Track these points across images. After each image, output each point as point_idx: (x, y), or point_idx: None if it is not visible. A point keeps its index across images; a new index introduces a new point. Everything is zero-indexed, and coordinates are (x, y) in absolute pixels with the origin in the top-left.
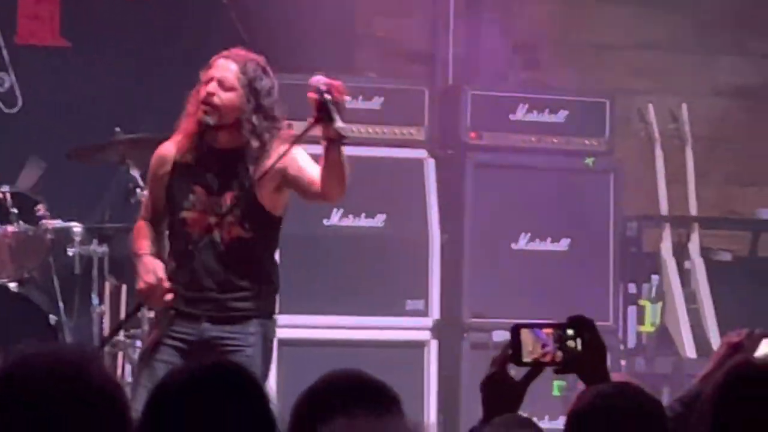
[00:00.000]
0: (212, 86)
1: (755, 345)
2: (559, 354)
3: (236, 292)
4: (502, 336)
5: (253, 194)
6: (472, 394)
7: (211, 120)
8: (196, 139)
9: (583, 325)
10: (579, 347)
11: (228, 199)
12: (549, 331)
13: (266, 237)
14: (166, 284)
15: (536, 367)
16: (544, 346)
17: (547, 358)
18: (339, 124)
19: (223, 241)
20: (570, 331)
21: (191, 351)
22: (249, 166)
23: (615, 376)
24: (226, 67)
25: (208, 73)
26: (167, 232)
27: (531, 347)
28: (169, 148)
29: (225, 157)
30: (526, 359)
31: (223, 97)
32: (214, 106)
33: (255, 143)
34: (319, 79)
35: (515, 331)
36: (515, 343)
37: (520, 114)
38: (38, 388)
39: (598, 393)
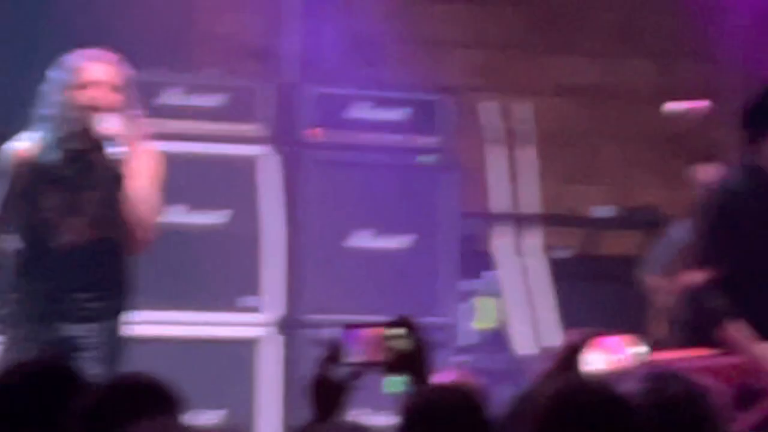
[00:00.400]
0: (99, 90)
1: (586, 344)
2: (387, 353)
3: (90, 293)
4: (335, 334)
5: (112, 195)
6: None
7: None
8: (56, 139)
9: (409, 324)
10: (406, 346)
11: (89, 199)
12: (377, 330)
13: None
14: None
15: (364, 366)
16: (371, 345)
17: (375, 358)
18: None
19: (81, 242)
20: (398, 330)
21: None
22: (109, 164)
23: (450, 374)
24: (105, 71)
25: (86, 76)
26: (20, 233)
27: (358, 347)
28: (27, 149)
29: (87, 157)
30: (353, 359)
31: (111, 100)
32: (102, 111)
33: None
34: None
35: (342, 332)
36: (342, 344)
37: (360, 111)
38: None
39: (423, 393)
